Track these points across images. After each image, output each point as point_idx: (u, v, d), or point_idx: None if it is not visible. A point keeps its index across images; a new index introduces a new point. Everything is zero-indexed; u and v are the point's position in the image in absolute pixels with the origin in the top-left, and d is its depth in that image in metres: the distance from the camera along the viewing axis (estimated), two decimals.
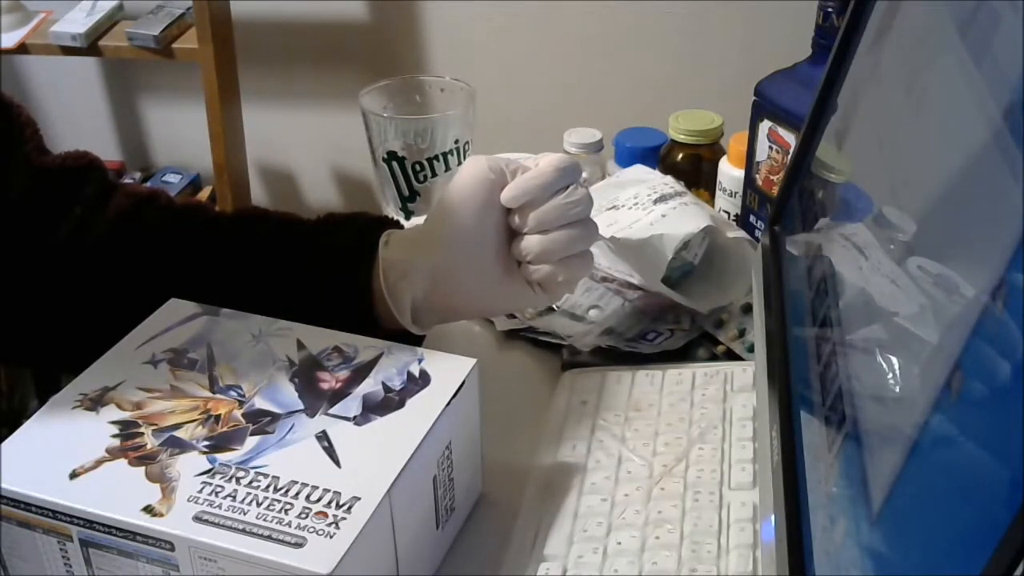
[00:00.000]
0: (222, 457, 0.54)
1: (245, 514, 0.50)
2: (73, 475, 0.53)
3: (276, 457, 0.54)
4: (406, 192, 0.87)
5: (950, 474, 0.37)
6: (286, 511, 0.50)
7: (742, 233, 0.82)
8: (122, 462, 0.53)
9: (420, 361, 0.60)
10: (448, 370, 0.59)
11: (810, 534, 0.48)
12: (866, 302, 0.50)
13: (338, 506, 0.50)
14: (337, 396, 0.57)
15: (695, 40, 1.78)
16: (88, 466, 0.53)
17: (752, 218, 0.86)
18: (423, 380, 0.59)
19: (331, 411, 0.56)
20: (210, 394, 0.58)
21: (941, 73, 0.48)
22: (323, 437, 0.55)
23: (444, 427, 0.57)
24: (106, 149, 2.06)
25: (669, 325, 0.77)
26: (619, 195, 0.83)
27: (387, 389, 0.58)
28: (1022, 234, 0.34)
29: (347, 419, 0.56)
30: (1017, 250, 0.34)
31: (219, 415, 0.56)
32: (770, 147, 0.81)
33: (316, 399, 0.57)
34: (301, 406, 0.57)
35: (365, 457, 0.54)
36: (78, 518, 0.51)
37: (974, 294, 0.37)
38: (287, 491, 0.51)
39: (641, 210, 0.80)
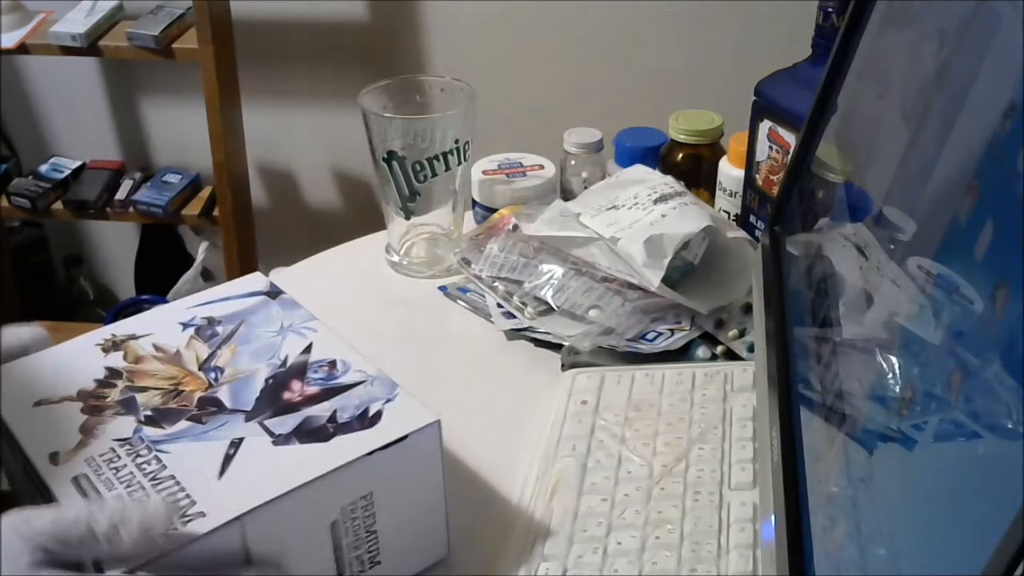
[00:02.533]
0: (148, 431, 0.54)
1: (108, 491, 0.50)
2: (37, 404, 0.55)
3: (183, 448, 0.53)
4: (406, 192, 0.87)
5: (950, 474, 0.37)
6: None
7: (742, 233, 0.82)
8: (78, 405, 0.55)
9: (388, 401, 0.57)
10: (403, 419, 0.55)
11: (810, 534, 0.48)
12: (866, 302, 0.50)
13: (182, 517, 0.49)
14: (287, 409, 0.56)
15: (695, 40, 1.78)
16: (53, 400, 0.55)
17: (752, 218, 0.86)
18: (371, 422, 0.55)
19: (267, 422, 0.55)
20: (195, 370, 0.59)
21: (941, 72, 0.48)
22: (235, 445, 0.54)
23: (361, 475, 0.54)
24: (106, 149, 2.06)
25: (669, 325, 0.77)
26: (619, 195, 0.83)
27: (331, 419, 0.55)
28: (1022, 231, 0.34)
29: (271, 435, 0.54)
30: (1017, 248, 0.34)
31: (184, 391, 0.57)
32: (770, 147, 0.81)
33: (268, 405, 0.56)
34: (249, 408, 0.56)
35: (250, 477, 0.52)
36: (19, 448, 0.53)
37: (974, 293, 0.37)
38: (158, 484, 0.51)
39: (641, 210, 0.80)
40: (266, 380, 0.58)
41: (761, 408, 0.60)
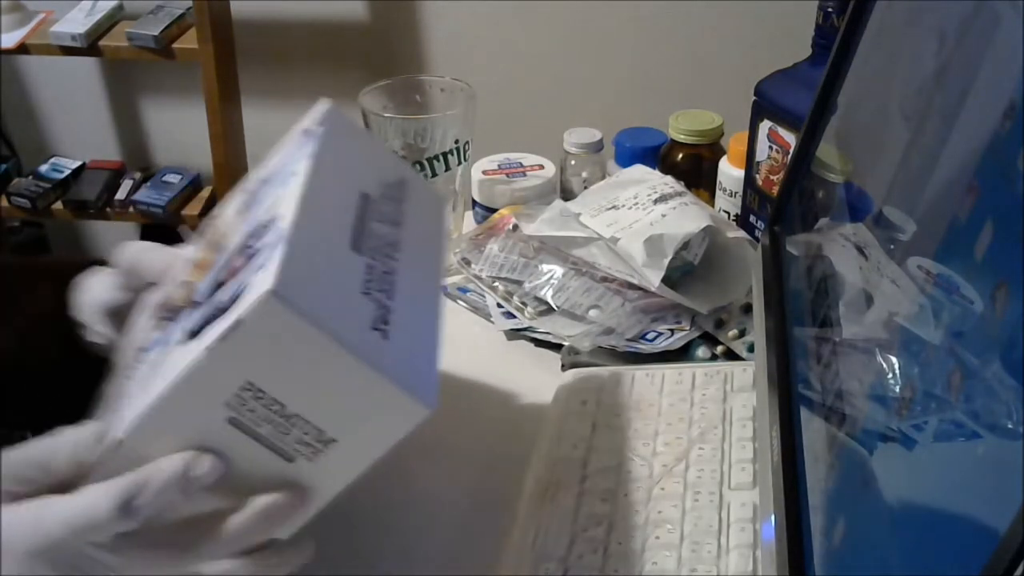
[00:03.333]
0: (153, 337, 0.50)
1: (110, 413, 0.48)
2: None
3: (151, 359, 0.47)
4: None
5: (950, 474, 0.37)
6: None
7: (742, 233, 0.82)
8: (158, 313, 0.52)
9: (260, 270, 0.43)
10: (248, 297, 0.42)
11: (810, 534, 0.48)
12: (866, 302, 0.50)
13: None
14: (215, 294, 0.46)
15: (695, 40, 1.78)
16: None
17: (752, 218, 0.86)
18: (232, 304, 0.43)
19: (192, 317, 0.46)
20: (214, 254, 0.50)
21: (941, 72, 0.48)
22: (172, 349, 0.46)
23: (216, 372, 0.43)
24: (106, 149, 2.06)
25: (669, 325, 0.77)
26: (619, 195, 0.83)
27: (221, 306, 0.44)
28: (1022, 231, 0.34)
29: (187, 333, 0.45)
30: (1017, 248, 0.34)
31: (192, 283, 0.49)
32: (770, 147, 0.81)
33: (209, 291, 0.47)
34: (201, 298, 0.47)
35: (152, 389, 0.45)
36: None
37: (974, 293, 0.37)
38: (118, 404, 0.47)
39: (641, 210, 0.80)
40: (229, 258, 0.48)
41: (761, 408, 0.60)
